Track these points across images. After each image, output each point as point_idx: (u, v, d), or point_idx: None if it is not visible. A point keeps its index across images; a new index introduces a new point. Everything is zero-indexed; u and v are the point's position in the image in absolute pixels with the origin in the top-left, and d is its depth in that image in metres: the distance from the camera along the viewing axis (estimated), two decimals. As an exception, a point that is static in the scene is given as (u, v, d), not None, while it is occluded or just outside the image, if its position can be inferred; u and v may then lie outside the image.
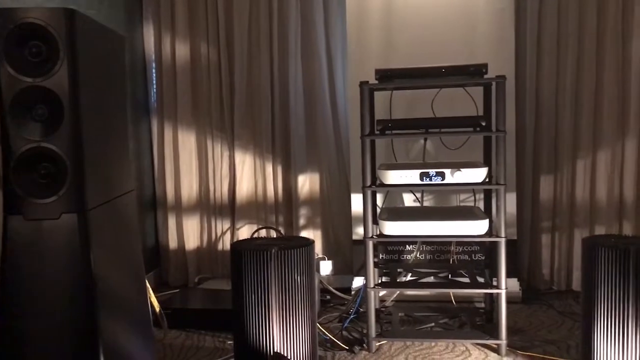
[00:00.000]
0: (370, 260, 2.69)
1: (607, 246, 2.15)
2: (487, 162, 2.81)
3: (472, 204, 3.33)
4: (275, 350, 2.30)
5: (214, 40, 3.66)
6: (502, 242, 2.56)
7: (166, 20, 3.66)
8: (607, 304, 2.16)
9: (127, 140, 2.19)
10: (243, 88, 3.65)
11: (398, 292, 3.30)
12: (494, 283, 2.65)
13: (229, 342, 2.76)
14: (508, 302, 3.19)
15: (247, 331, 2.32)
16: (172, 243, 3.80)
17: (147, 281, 2.35)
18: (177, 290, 3.60)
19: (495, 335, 2.62)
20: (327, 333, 2.76)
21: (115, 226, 2.00)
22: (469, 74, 2.61)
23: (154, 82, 3.77)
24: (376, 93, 3.05)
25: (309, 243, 2.38)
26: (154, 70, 3.76)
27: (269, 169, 3.69)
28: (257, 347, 2.32)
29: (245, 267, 2.29)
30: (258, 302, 2.30)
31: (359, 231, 3.45)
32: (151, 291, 2.54)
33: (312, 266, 2.40)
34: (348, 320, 2.92)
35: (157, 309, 2.69)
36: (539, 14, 3.41)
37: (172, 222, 3.78)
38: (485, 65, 2.58)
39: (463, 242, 3.36)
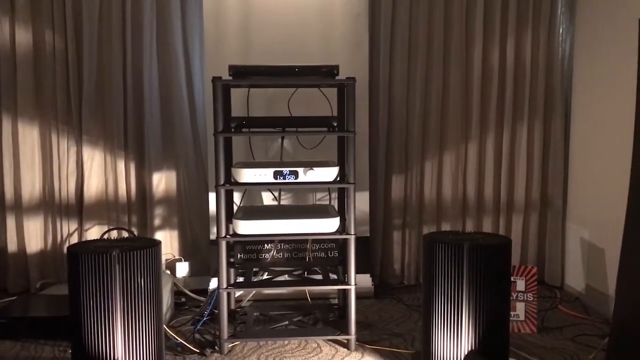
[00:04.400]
0: (224, 260, 2.63)
1: (444, 242, 2.28)
2: (341, 162, 2.87)
3: (328, 202, 3.40)
4: (116, 358, 2.17)
5: (61, 28, 3.39)
6: (352, 239, 2.63)
7: (4, 2, 3.34)
8: (444, 297, 2.28)
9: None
10: (92, 80, 3.43)
11: (254, 291, 3.28)
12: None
13: (70, 351, 2.57)
14: (361, 297, 3.32)
15: (85, 339, 2.18)
16: (12, 245, 3.47)
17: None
18: (16, 297, 3.31)
19: (346, 330, 2.68)
20: (176, 337, 2.67)
21: None
22: (321, 74, 2.65)
23: (-10, 69, 3.42)
24: (237, 90, 3.01)
25: (155, 244, 2.29)
26: (-11, 57, 3.42)
27: (121, 165, 3.49)
28: (98, 355, 2.18)
29: (83, 271, 2.15)
30: (98, 308, 2.17)
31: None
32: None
33: (158, 268, 2.30)
34: (201, 323, 2.85)
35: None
36: (392, 20, 3.55)
37: (11, 222, 3.46)
38: (336, 67, 2.63)
39: (319, 240, 3.41)
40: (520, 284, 2.91)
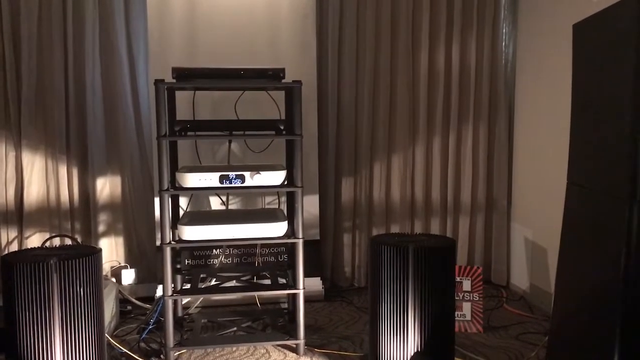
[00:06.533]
0: (168, 267, 2.57)
1: (389, 244, 2.29)
2: (289, 165, 2.85)
3: (277, 206, 3.38)
4: (54, 371, 2.10)
5: (-4, 28, 3.27)
6: (299, 243, 2.61)
7: None
8: (390, 298, 2.30)
9: None
10: (32, 82, 3.30)
11: (202, 298, 3.23)
12: (297, 283, 2.69)
13: (6, 365, 2.47)
14: (311, 300, 3.31)
15: (21, 352, 2.09)
16: (-55, 256, 3.31)
17: None
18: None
19: (295, 335, 2.66)
20: (120, 347, 2.59)
21: None
22: (267, 77, 2.62)
23: None
24: (183, 93, 2.95)
25: (95, 251, 2.21)
26: None
27: (63, 171, 3.38)
28: (35, 368, 2.10)
29: (18, 281, 2.06)
30: (35, 319, 2.08)
31: (163, 236, 3.31)
32: None
33: (99, 277, 2.23)
34: (146, 331, 2.78)
35: None
36: (339, 22, 3.56)
37: (-55, 231, 3.31)
38: (282, 70, 2.61)
39: (268, 244, 3.39)
40: (466, 284, 2.96)
